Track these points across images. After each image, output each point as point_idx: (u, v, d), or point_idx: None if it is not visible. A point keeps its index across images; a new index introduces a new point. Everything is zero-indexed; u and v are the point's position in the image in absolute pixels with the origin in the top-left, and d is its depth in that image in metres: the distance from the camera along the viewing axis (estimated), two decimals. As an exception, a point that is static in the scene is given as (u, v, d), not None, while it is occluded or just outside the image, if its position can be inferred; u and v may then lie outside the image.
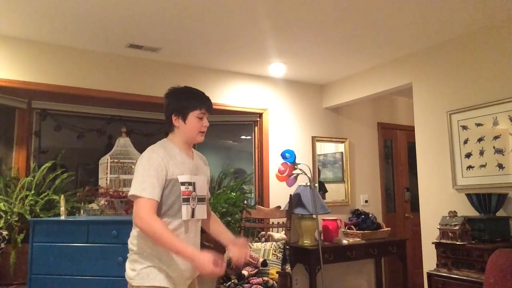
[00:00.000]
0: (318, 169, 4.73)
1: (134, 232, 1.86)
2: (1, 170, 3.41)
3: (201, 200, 1.95)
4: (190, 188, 1.88)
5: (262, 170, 4.35)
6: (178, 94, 1.97)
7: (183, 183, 1.85)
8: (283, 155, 3.74)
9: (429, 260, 3.43)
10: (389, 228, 4.53)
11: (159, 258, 1.81)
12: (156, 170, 1.79)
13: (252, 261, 3.35)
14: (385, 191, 5.13)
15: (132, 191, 1.77)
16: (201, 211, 1.96)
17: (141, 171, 1.79)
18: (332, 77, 4.56)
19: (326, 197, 4.65)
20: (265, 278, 3.27)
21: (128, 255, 1.89)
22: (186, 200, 1.85)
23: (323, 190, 4.71)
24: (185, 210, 1.84)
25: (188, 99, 1.93)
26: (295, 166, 3.73)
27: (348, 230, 4.41)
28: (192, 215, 1.89)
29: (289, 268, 3.54)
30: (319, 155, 4.69)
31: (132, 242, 1.86)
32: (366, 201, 4.91)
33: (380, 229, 4.44)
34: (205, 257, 1.69)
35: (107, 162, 3.48)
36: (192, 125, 1.92)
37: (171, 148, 1.92)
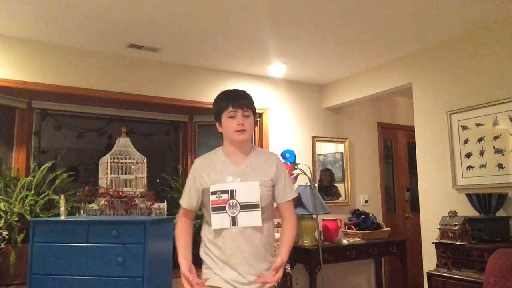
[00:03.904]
0: (331, 171, 4.72)
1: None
2: (1, 170, 3.41)
3: (249, 207, 1.85)
4: (225, 196, 1.85)
5: (262, 170, 4.34)
6: (215, 100, 1.99)
7: (214, 193, 1.87)
8: (283, 155, 3.74)
9: (429, 260, 3.42)
10: (389, 228, 4.53)
11: (214, 260, 1.89)
12: (190, 181, 1.96)
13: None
14: (385, 191, 5.13)
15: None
16: (249, 218, 1.85)
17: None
18: (332, 77, 4.56)
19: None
20: (265, 278, 3.26)
21: None
22: (218, 209, 1.86)
23: (336, 195, 4.69)
24: (216, 219, 1.85)
25: (218, 102, 1.95)
26: (295, 166, 3.73)
27: (348, 230, 4.41)
28: (234, 224, 1.84)
29: (289, 268, 3.54)
30: (319, 155, 4.69)
31: None
32: (366, 201, 4.91)
33: (380, 229, 4.44)
34: (182, 270, 1.80)
35: (107, 162, 3.47)
36: (226, 126, 1.90)
37: (217, 156, 1.98)
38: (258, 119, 4.43)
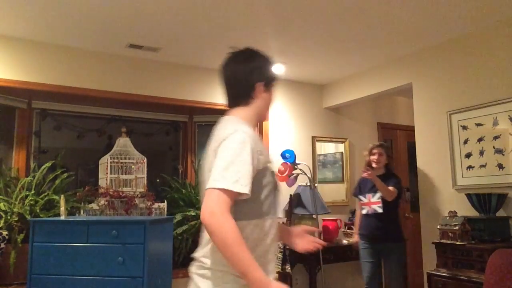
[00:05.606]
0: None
1: (207, 236, 1.34)
2: (1, 170, 3.41)
3: None
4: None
5: (262, 170, 4.34)
6: (267, 58, 1.56)
7: (273, 172, 1.49)
8: (283, 155, 3.74)
9: (429, 260, 3.42)
10: (389, 228, 4.52)
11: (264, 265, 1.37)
12: (251, 157, 1.32)
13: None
14: (385, 191, 5.12)
15: (220, 183, 1.26)
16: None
17: (229, 156, 1.30)
18: (332, 77, 4.56)
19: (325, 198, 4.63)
20: (265, 278, 3.26)
21: (195, 269, 1.42)
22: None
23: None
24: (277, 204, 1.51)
25: (273, 66, 1.60)
26: (295, 166, 3.72)
27: (348, 230, 4.41)
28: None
29: (289, 268, 3.54)
30: (319, 155, 4.69)
31: (206, 250, 1.39)
32: (366, 201, 4.90)
33: (380, 229, 4.43)
34: (275, 285, 1.25)
35: (107, 162, 3.47)
36: (272, 98, 1.58)
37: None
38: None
